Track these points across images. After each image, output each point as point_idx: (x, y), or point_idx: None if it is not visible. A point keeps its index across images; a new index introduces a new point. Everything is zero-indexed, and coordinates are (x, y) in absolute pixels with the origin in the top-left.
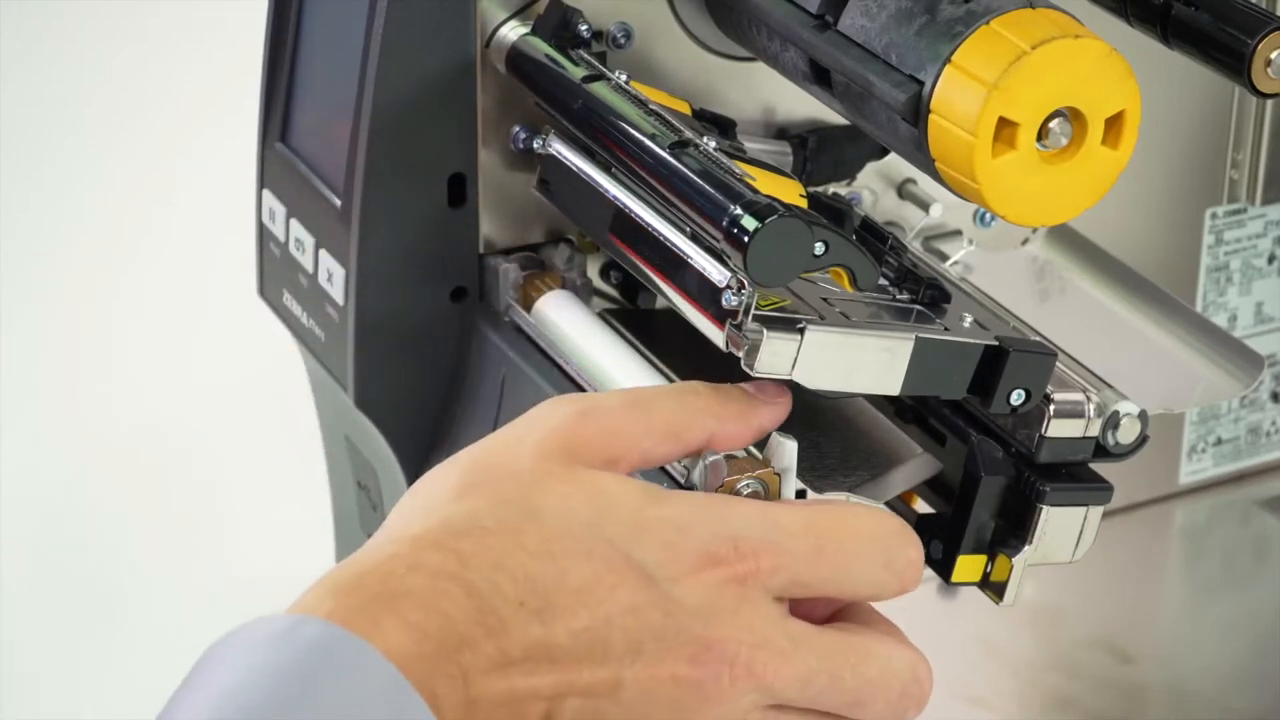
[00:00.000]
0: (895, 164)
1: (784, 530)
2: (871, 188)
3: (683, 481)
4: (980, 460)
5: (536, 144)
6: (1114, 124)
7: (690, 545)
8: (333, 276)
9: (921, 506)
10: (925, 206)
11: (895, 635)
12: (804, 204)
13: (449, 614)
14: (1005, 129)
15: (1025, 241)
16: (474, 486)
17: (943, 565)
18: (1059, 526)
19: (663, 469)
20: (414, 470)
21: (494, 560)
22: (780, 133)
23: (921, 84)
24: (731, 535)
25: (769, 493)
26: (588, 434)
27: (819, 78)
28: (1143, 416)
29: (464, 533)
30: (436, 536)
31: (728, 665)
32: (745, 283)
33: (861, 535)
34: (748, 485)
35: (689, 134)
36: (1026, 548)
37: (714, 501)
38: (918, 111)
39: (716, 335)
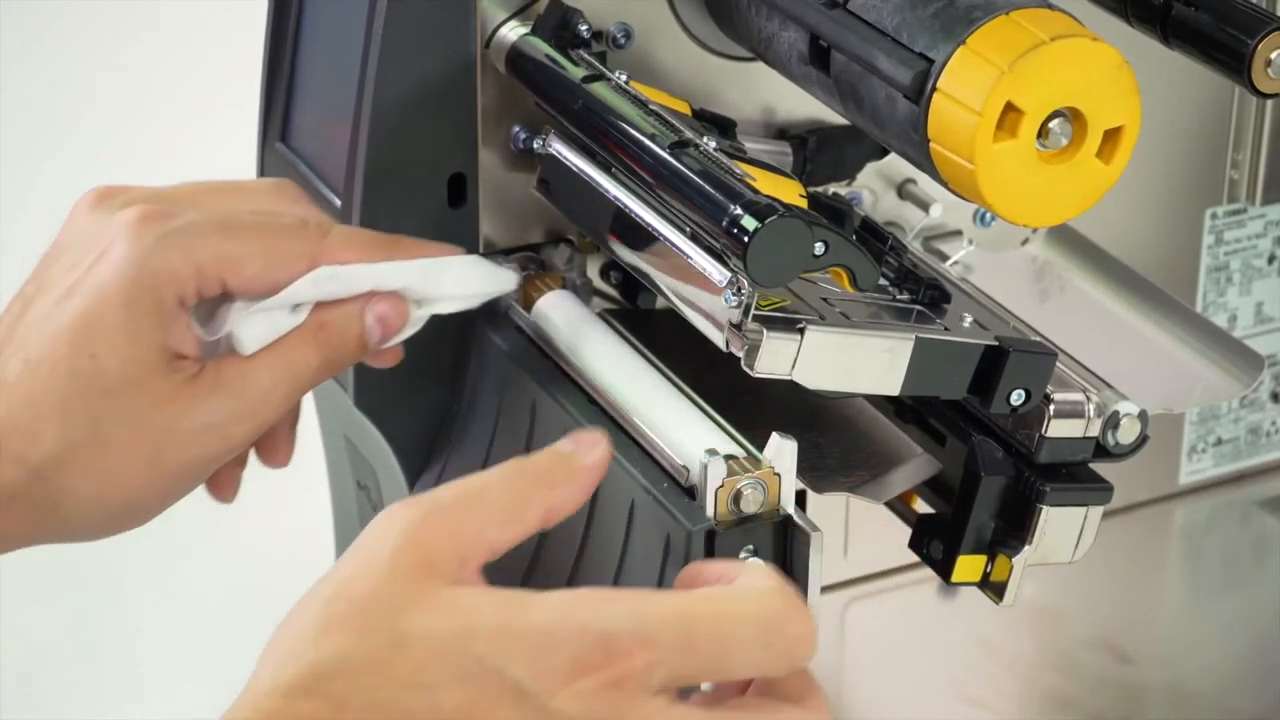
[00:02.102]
0: (895, 164)
1: (655, 624)
2: (871, 188)
3: (682, 482)
4: (980, 460)
5: (536, 144)
6: (1111, 137)
7: (560, 653)
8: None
9: (921, 506)
10: (925, 206)
11: (804, 703)
12: (804, 204)
13: None
14: (1010, 115)
15: (1025, 241)
16: (337, 620)
17: (943, 565)
18: (1059, 526)
19: (663, 469)
20: (414, 470)
21: (367, 699)
22: (780, 133)
23: (931, 61)
24: (602, 637)
25: (769, 493)
26: (435, 540)
27: (817, 58)
28: (1143, 416)
29: (334, 675)
30: (307, 683)
31: None
32: (745, 283)
33: (739, 619)
34: (748, 486)
35: (689, 134)
36: (1026, 548)
37: (579, 601)
38: (922, 89)
39: (716, 335)
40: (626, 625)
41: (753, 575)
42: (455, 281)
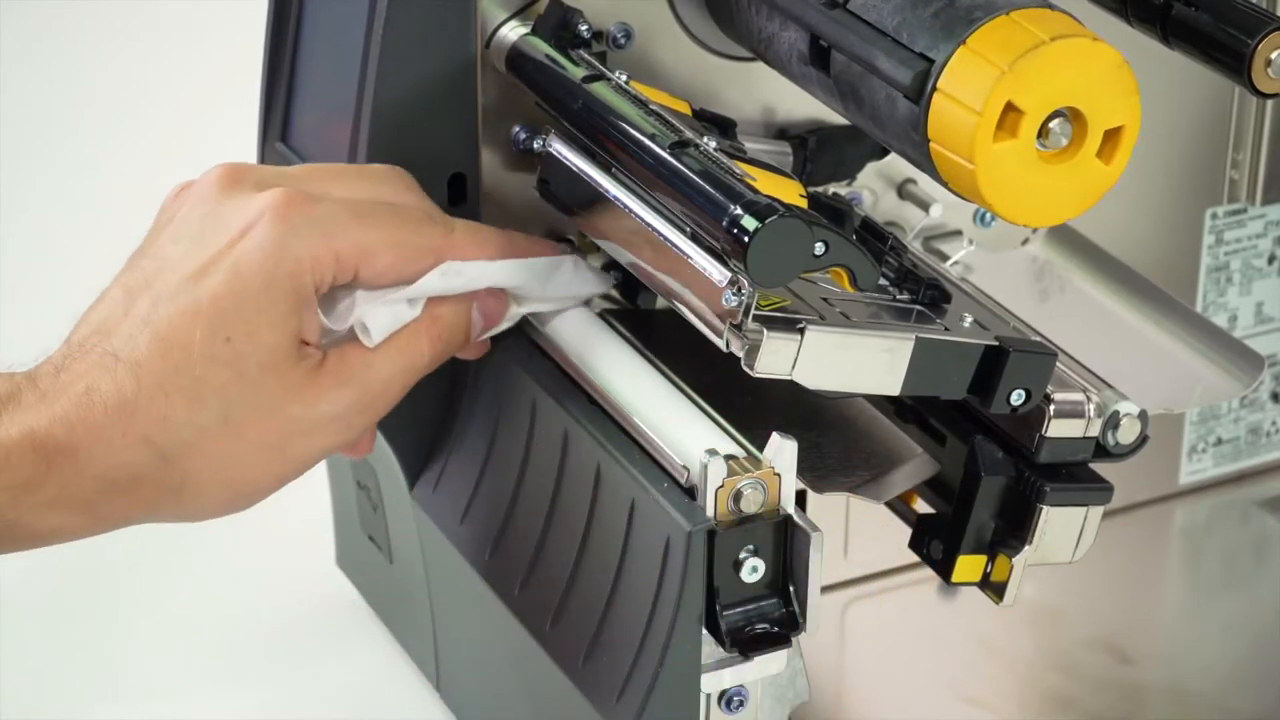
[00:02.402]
0: (895, 164)
1: None
2: (871, 188)
3: (682, 482)
4: (980, 460)
5: (536, 144)
6: (1111, 138)
7: None
8: None
9: (921, 506)
10: (925, 206)
11: None
12: (804, 204)
13: None
14: (1010, 115)
15: (1025, 241)
16: None
17: (943, 565)
18: (1059, 526)
19: (663, 469)
20: (414, 470)
21: None
22: (780, 133)
23: (931, 61)
24: None
25: (769, 493)
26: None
27: (817, 58)
28: (1143, 416)
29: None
30: None
31: None
32: (745, 283)
33: None
34: (748, 486)
35: (689, 134)
36: (1026, 548)
37: None
38: (923, 89)
39: (716, 335)
40: None
41: None
42: (558, 283)
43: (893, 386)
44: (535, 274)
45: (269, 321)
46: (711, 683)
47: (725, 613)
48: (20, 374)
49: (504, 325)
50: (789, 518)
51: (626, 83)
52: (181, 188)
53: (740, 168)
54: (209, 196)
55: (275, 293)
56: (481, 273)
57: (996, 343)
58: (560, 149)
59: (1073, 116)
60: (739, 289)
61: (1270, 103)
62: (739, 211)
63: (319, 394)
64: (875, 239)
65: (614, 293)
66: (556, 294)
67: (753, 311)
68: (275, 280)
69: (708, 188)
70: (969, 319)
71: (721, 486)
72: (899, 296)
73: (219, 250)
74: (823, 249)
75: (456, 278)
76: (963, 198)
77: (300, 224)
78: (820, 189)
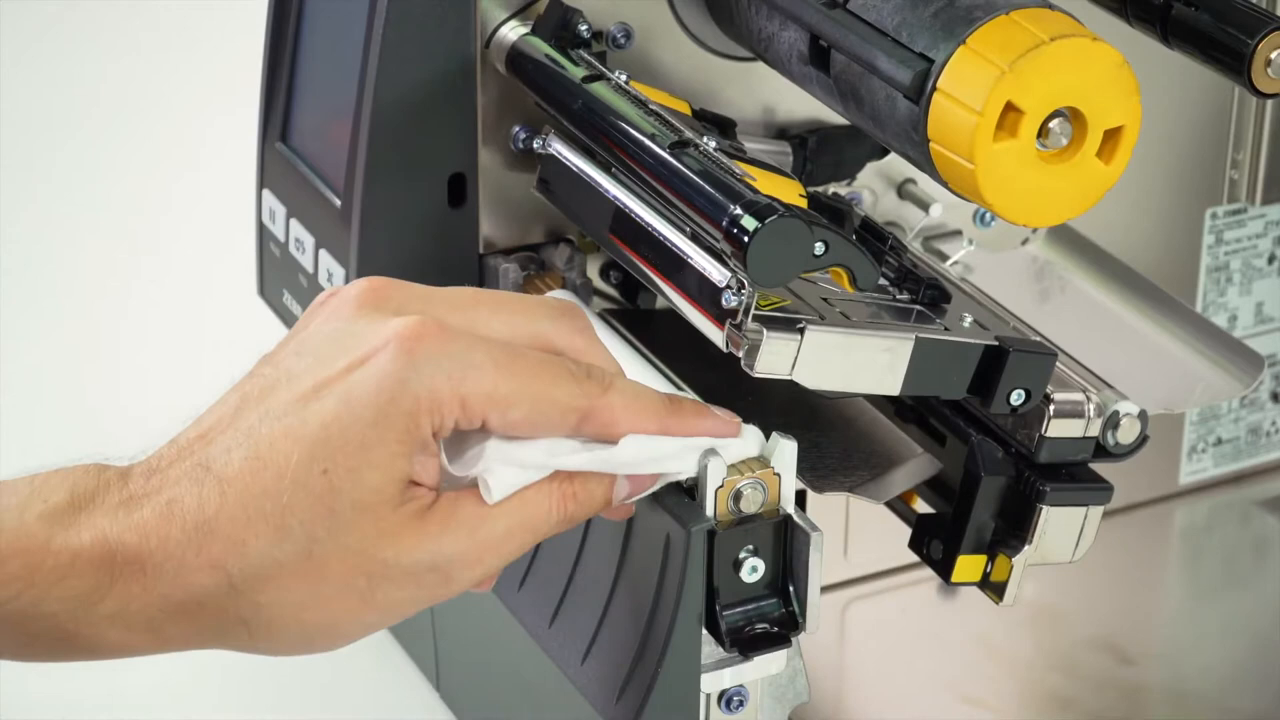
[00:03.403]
0: (895, 164)
1: None
2: (871, 188)
3: (682, 483)
4: (980, 460)
5: (536, 144)
6: (1111, 137)
7: None
8: (333, 277)
9: (921, 506)
10: (925, 206)
11: None
12: (804, 204)
13: None
14: (1010, 115)
15: (1025, 241)
16: None
17: (943, 565)
18: (1059, 526)
19: None
20: None
21: None
22: (780, 133)
23: (931, 61)
24: None
25: (769, 493)
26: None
27: (817, 58)
28: (1143, 416)
29: None
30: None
31: None
32: (745, 283)
33: None
34: (748, 486)
35: (689, 134)
36: (1026, 548)
37: None
38: (923, 89)
39: (716, 335)
40: None
41: None
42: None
43: (893, 386)
44: (682, 454)
45: (373, 460)
46: (711, 683)
47: (725, 613)
48: (114, 470)
49: (651, 490)
50: (789, 518)
51: (626, 83)
52: (328, 295)
53: (740, 168)
54: (345, 312)
55: (385, 431)
56: (630, 459)
57: (996, 343)
58: (560, 149)
59: (1073, 116)
60: (739, 289)
61: (1270, 103)
62: (739, 211)
63: (418, 541)
64: (875, 239)
65: (614, 292)
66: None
67: (752, 311)
68: (388, 417)
69: (707, 188)
70: (969, 319)
71: (721, 486)
72: (899, 296)
73: (336, 373)
74: (823, 249)
75: (598, 459)
76: (963, 198)
77: (426, 360)
78: (820, 189)
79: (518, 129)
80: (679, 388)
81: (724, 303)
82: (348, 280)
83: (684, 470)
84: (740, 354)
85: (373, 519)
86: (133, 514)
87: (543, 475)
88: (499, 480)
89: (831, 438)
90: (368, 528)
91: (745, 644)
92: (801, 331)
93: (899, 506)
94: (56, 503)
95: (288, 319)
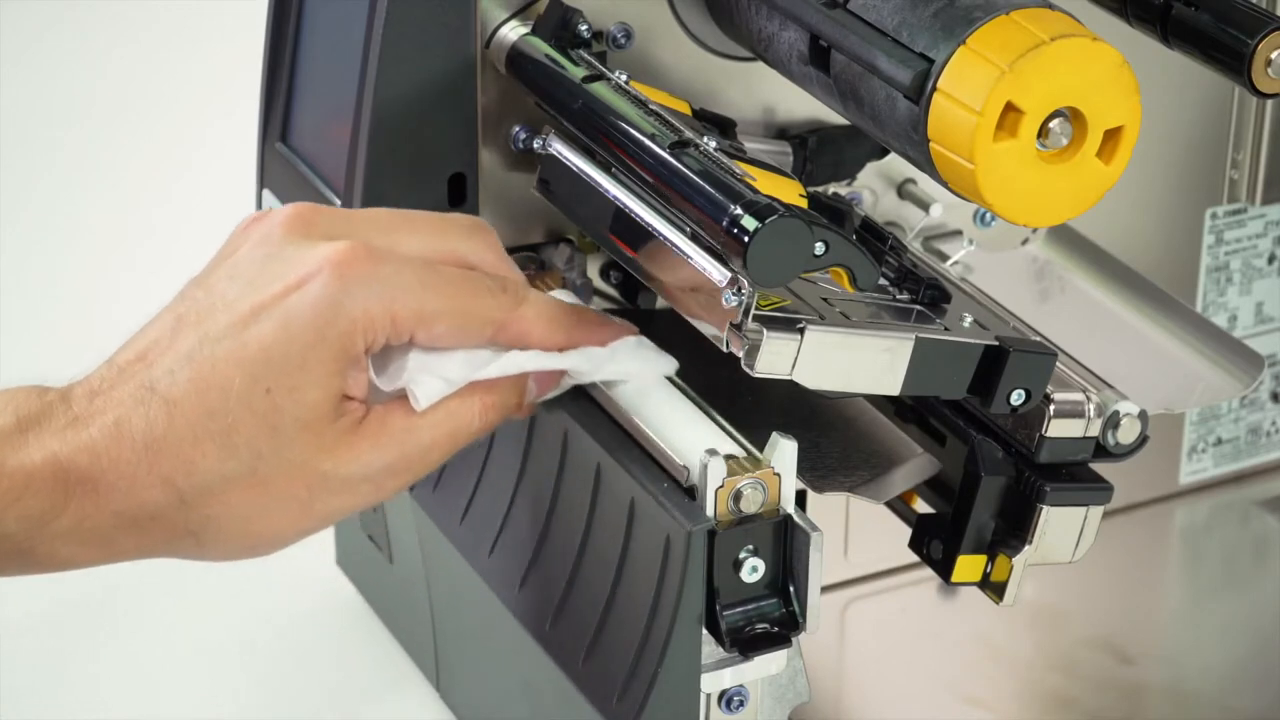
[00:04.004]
0: (895, 164)
1: None
2: (871, 188)
3: (682, 482)
4: (980, 460)
5: (536, 144)
6: (1111, 137)
7: None
8: None
9: (921, 506)
10: (925, 206)
11: None
12: (804, 204)
13: None
14: (1010, 115)
15: (1025, 241)
16: None
17: (943, 565)
18: (1059, 526)
19: (663, 469)
20: None
21: None
22: (780, 133)
23: (931, 61)
24: None
25: (769, 493)
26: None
27: (817, 58)
28: (1143, 416)
29: None
30: None
31: None
32: (745, 283)
33: None
34: (748, 486)
35: (689, 134)
36: (1026, 548)
37: None
38: (923, 88)
39: (716, 335)
40: None
41: None
42: (616, 370)
43: (893, 386)
44: (594, 360)
45: (312, 379)
46: (711, 683)
47: (725, 613)
48: (55, 392)
49: (556, 392)
50: (789, 518)
51: (626, 83)
52: (252, 219)
53: (740, 168)
54: (273, 237)
55: (323, 350)
56: (542, 363)
57: (996, 343)
58: (560, 149)
59: (1073, 116)
60: (739, 289)
61: (1270, 103)
62: (739, 211)
63: (353, 454)
64: (875, 239)
65: (614, 292)
66: (611, 372)
67: (752, 311)
68: (325, 338)
69: (707, 188)
70: (969, 319)
71: (721, 486)
72: (899, 296)
73: (272, 297)
74: (823, 249)
75: (515, 367)
76: (963, 198)
77: (359, 283)
78: (820, 189)
79: (518, 129)
80: (679, 388)
81: (724, 303)
82: None
83: (586, 370)
84: (740, 354)
85: (313, 434)
86: (80, 435)
87: (465, 381)
88: (425, 390)
89: (831, 438)
90: (309, 442)
91: (745, 644)
92: (801, 331)
93: (899, 506)
94: (2, 425)
95: None
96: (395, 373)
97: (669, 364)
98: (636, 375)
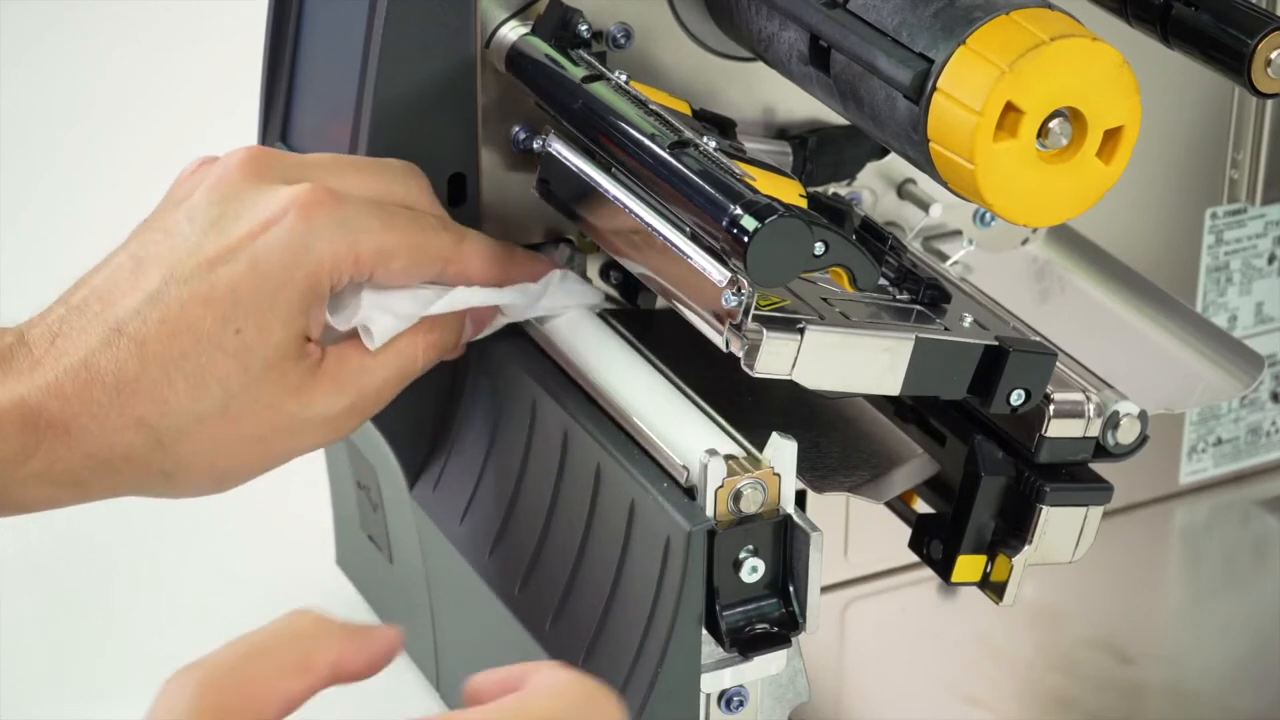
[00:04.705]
0: (895, 164)
1: None
2: (871, 188)
3: (682, 482)
4: (980, 460)
5: (536, 144)
6: (1111, 137)
7: None
8: None
9: (921, 506)
10: (925, 206)
11: None
12: (804, 204)
13: None
14: (1010, 115)
15: (1025, 241)
16: None
17: (943, 565)
18: (1059, 526)
19: (663, 469)
20: (413, 470)
21: None
22: (780, 133)
23: (931, 61)
24: None
25: (769, 493)
26: (227, 701)
27: (817, 58)
28: (1143, 416)
29: None
30: None
31: None
32: (745, 283)
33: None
34: (748, 486)
35: (689, 134)
36: (1026, 548)
37: None
38: (923, 88)
39: (716, 335)
40: None
41: (544, 674)
42: (549, 304)
43: (892, 386)
44: (529, 295)
45: (281, 319)
46: (711, 683)
47: (725, 613)
48: (10, 332)
49: (489, 332)
50: (789, 518)
51: (626, 83)
52: (202, 162)
53: (740, 168)
54: (230, 179)
55: (292, 291)
56: (485, 298)
57: (996, 343)
58: (560, 149)
59: (1073, 116)
60: (739, 289)
61: (1270, 103)
62: (739, 211)
63: (315, 395)
64: (875, 239)
65: (614, 292)
66: (544, 307)
67: (752, 311)
68: (294, 279)
69: (707, 188)
70: (969, 319)
71: (721, 486)
72: (899, 296)
73: (239, 239)
74: (823, 249)
75: (462, 301)
76: (963, 198)
77: (325, 224)
78: (820, 189)
79: (518, 129)
80: (679, 388)
81: (724, 303)
82: None
83: (521, 305)
84: (740, 354)
85: (280, 374)
86: (46, 376)
87: (411, 323)
88: (380, 327)
89: (831, 438)
90: (277, 382)
91: (745, 644)
92: (801, 331)
93: (899, 506)
94: None
95: None
96: (350, 313)
97: (595, 296)
98: (566, 309)
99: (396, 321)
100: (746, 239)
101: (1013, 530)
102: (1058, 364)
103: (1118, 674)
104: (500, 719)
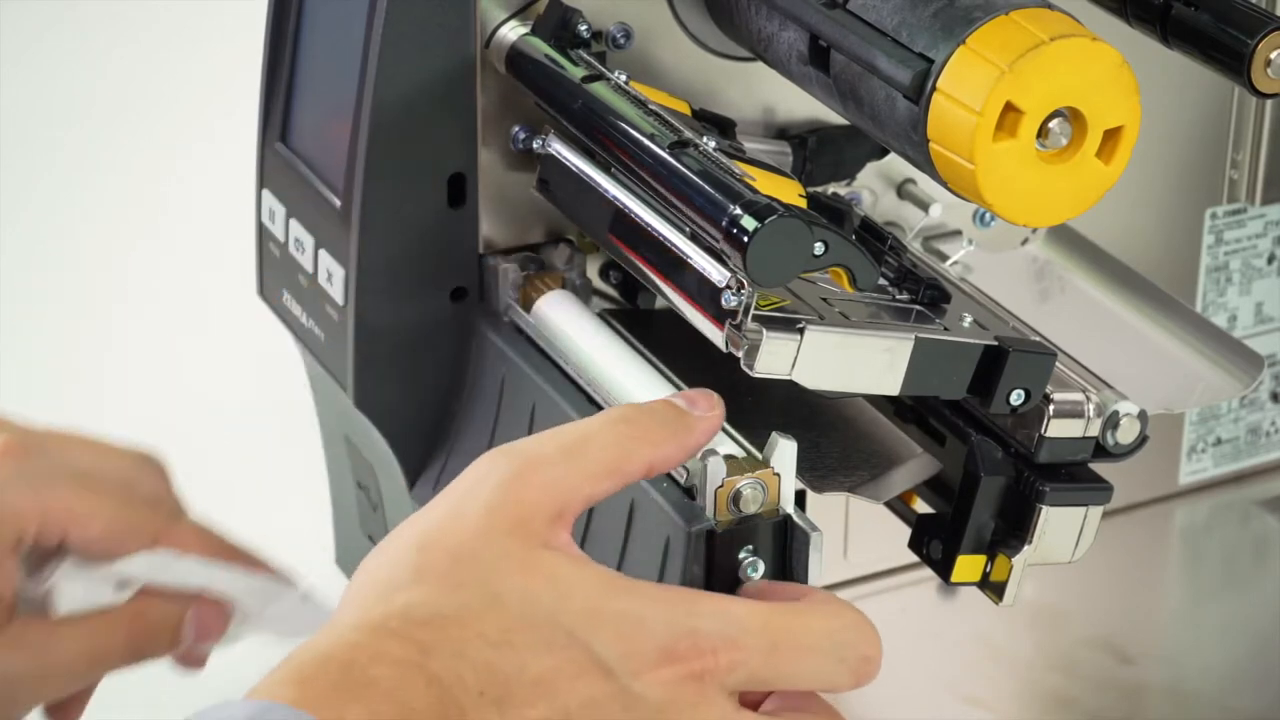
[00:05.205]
0: (895, 164)
1: (741, 627)
2: (871, 188)
3: (682, 482)
4: (980, 460)
5: (536, 144)
6: (1111, 137)
7: (650, 640)
8: (332, 277)
9: (921, 506)
10: (925, 206)
11: (833, 714)
12: (804, 204)
13: (411, 704)
14: (1009, 115)
15: (1025, 241)
16: (429, 570)
17: (942, 565)
18: (1059, 526)
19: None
20: (413, 470)
21: (455, 650)
22: (780, 133)
23: (931, 61)
24: (690, 631)
25: (768, 493)
26: (530, 495)
27: (816, 58)
28: (1142, 416)
29: (424, 622)
30: (397, 625)
31: None
32: (745, 283)
33: (818, 632)
34: (748, 486)
35: (689, 134)
36: (1026, 548)
37: (673, 595)
38: (922, 88)
39: (716, 335)
40: (714, 625)
41: (820, 594)
42: (279, 616)
43: (892, 386)
44: (254, 592)
45: None
46: None
47: None
48: None
49: (223, 643)
50: (789, 518)
51: (626, 83)
52: None
53: (740, 168)
54: None
55: None
56: (195, 571)
57: (996, 343)
58: (560, 149)
59: (1072, 116)
60: (738, 289)
61: (1270, 103)
62: (738, 211)
63: None
64: (875, 239)
65: (614, 292)
66: (279, 625)
67: (752, 311)
68: None
69: (707, 188)
70: (968, 319)
71: (721, 486)
72: (898, 296)
73: None
74: (822, 249)
75: (165, 570)
76: (962, 198)
77: (10, 472)
78: (820, 189)
79: (517, 129)
80: (679, 388)
81: (724, 303)
82: (347, 281)
83: (246, 607)
84: (740, 354)
85: None
86: None
87: (115, 600)
88: (68, 591)
89: (831, 438)
90: None
91: None
92: (801, 331)
93: (899, 506)
94: None
95: (287, 319)
96: (45, 575)
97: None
98: (294, 634)
99: (88, 590)
100: (746, 239)
101: (1012, 530)
102: (1057, 364)
103: (1118, 674)
104: (787, 618)
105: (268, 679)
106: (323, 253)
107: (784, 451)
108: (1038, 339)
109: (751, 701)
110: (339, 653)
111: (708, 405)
